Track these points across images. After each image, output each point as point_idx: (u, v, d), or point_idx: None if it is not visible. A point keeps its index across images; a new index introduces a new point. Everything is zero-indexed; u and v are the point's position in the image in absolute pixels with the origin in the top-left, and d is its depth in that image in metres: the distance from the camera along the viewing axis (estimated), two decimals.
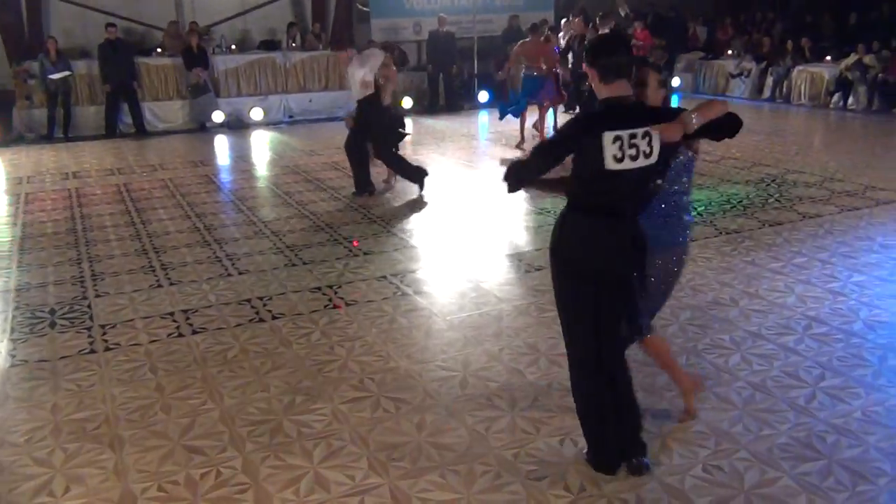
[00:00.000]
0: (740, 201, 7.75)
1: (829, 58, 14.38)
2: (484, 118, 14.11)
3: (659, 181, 3.27)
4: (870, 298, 5.16)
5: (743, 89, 15.50)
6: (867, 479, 3.27)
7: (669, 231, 3.56)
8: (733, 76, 15.74)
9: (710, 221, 7.09)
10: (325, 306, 5.36)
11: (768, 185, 8.40)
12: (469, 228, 7.22)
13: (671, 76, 16.06)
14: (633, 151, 2.96)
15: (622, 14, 13.74)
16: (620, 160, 2.96)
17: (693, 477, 3.31)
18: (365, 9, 15.42)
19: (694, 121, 2.97)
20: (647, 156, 3.00)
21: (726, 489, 3.23)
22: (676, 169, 3.47)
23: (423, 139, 11.94)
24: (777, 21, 16.56)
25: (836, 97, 13.75)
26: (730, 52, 16.27)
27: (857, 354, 4.39)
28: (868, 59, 13.26)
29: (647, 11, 16.34)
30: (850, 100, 13.53)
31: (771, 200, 7.76)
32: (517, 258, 6.31)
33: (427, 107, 14.73)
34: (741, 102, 14.78)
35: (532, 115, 10.96)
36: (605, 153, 2.95)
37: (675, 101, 12.49)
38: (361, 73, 7.97)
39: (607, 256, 3.12)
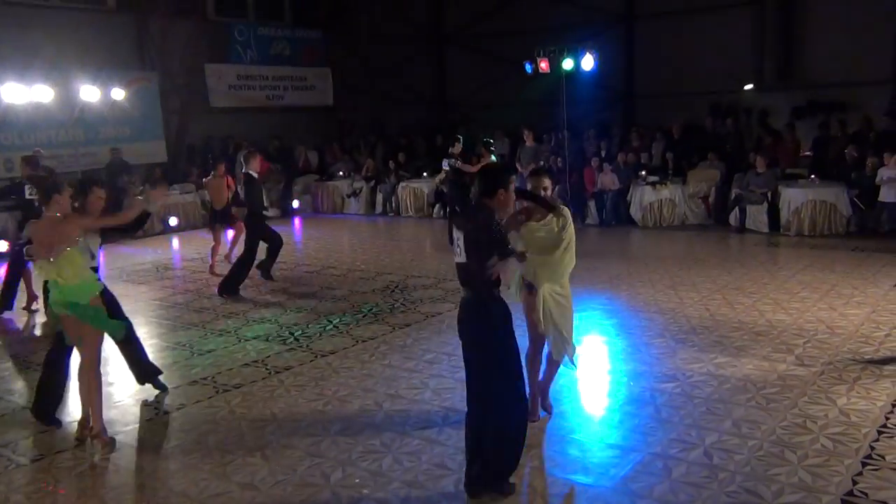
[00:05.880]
0: (371, 309, 8.21)
1: (425, 174, 16.30)
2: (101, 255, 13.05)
3: None
4: None
5: (357, 207, 16.74)
6: None
7: None
8: (348, 196, 16.94)
9: (347, 332, 7.36)
10: None
11: (393, 291, 9.06)
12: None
13: (291, 199, 16.80)
14: None
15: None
16: None
17: None
18: None
19: None
20: None
21: None
22: None
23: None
24: (379, 144, 18.35)
25: (436, 207, 15.56)
26: (341, 173, 17.53)
27: None
28: None
29: (263, 140, 17.11)
30: (448, 209, 15.41)
31: (397, 305, 8.35)
32: (153, 401, 5.82)
33: None
34: (358, 219, 15.92)
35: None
36: None
37: (297, 222, 12.99)
38: None
39: None
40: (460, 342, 4.09)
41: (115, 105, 14.84)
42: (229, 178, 10.78)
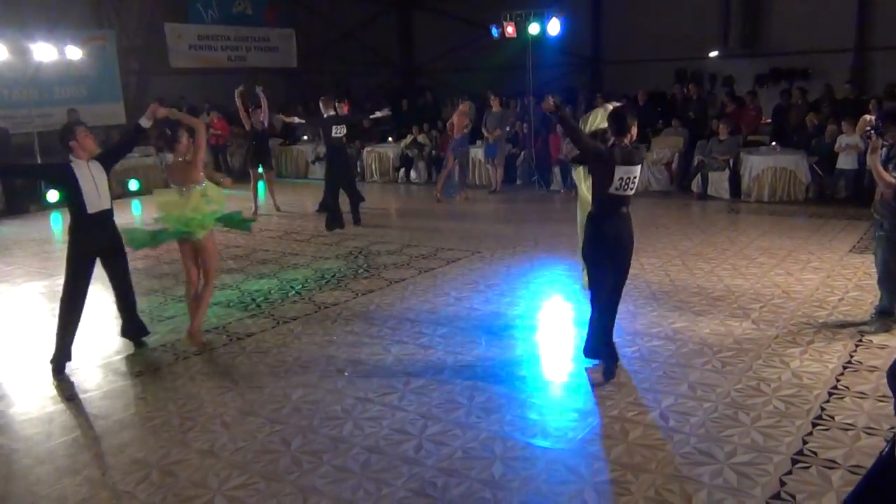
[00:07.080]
0: (333, 275, 8.17)
1: (390, 139, 16.16)
2: (57, 219, 12.79)
3: None
4: (453, 347, 5.80)
5: (322, 172, 16.50)
6: None
7: None
8: (312, 162, 16.74)
9: (309, 298, 7.33)
10: None
11: (356, 257, 9.02)
12: (48, 341, 6.39)
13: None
14: None
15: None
16: None
17: None
18: None
19: None
20: None
21: None
22: None
23: None
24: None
25: (401, 172, 15.47)
26: (305, 137, 17.29)
27: (450, 399, 4.87)
28: (421, 138, 15.23)
29: (226, 103, 16.69)
30: (413, 174, 15.33)
31: (361, 271, 8.32)
32: (112, 368, 5.76)
33: None
34: (321, 184, 15.70)
35: None
36: None
37: (261, 189, 12.81)
38: None
39: None
40: (618, 251, 4.98)
41: (70, 64, 14.41)
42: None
